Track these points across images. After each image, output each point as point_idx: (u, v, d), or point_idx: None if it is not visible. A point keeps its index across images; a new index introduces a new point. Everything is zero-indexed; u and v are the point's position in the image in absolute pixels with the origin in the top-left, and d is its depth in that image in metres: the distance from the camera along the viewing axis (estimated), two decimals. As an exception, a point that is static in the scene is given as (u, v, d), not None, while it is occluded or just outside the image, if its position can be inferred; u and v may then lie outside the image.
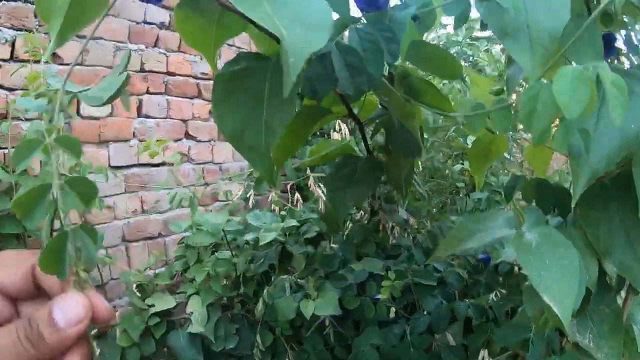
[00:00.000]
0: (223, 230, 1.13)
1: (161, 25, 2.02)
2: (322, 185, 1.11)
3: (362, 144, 0.90)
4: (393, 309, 1.07)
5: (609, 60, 0.64)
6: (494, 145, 0.85)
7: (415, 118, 0.68)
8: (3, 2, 1.52)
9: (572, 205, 0.53)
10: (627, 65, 0.68)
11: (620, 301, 0.61)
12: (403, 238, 1.15)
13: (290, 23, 0.40)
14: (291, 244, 1.10)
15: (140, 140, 1.86)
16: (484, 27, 0.59)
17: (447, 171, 1.36)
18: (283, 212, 1.18)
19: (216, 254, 1.19)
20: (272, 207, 1.18)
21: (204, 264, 1.22)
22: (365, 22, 0.60)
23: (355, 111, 0.82)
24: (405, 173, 0.86)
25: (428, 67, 0.72)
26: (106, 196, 1.80)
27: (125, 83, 0.47)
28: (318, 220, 1.12)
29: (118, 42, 1.91)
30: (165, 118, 1.97)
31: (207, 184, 2.11)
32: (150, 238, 1.90)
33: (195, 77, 2.12)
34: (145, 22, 1.98)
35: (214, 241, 1.15)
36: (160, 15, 2.02)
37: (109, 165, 1.80)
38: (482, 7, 0.53)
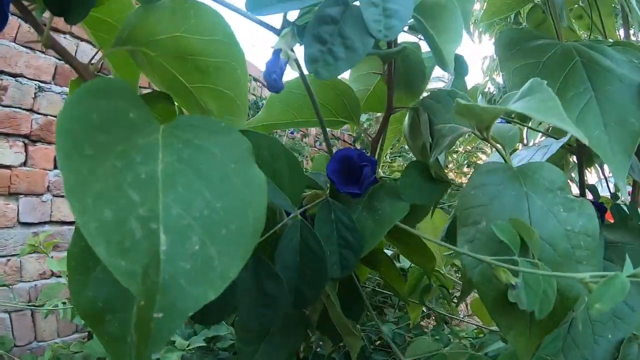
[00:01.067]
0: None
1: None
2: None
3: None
4: None
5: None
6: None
7: (355, 339, 0.57)
8: None
9: None
10: None
11: None
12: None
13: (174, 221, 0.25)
14: (199, 356, 0.97)
15: (55, 196, 1.68)
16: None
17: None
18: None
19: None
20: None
21: (103, 366, 1.07)
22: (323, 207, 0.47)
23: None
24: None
25: (404, 251, 0.63)
26: (12, 255, 1.61)
27: None
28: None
29: (41, 81, 1.74)
30: (87, 171, 1.80)
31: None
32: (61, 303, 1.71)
33: (126, 126, 1.96)
34: (75, 62, 1.82)
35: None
36: (95, 54, 1.87)
37: (18, 222, 1.62)
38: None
